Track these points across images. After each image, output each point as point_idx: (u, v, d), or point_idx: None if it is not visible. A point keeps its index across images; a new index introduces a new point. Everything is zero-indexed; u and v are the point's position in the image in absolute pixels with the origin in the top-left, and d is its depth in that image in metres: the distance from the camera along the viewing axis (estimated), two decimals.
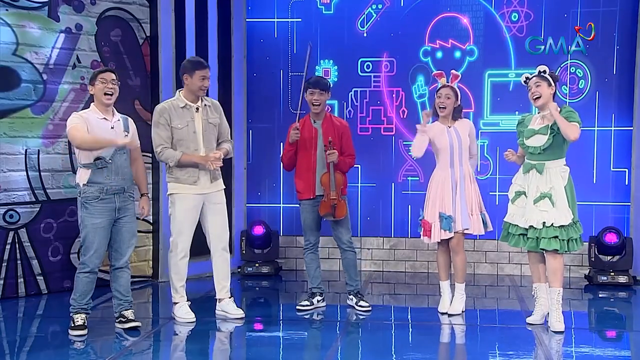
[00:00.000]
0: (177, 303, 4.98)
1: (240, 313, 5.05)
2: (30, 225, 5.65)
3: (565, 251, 4.64)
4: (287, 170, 5.46)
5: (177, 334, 4.77)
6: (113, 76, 4.63)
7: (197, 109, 4.88)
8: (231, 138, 6.69)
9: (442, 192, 5.02)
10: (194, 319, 4.92)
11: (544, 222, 4.57)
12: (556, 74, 4.74)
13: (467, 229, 5.00)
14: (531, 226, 4.62)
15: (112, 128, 4.61)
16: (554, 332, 4.64)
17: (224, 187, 5.09)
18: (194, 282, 6.10)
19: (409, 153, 6.70)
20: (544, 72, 4.65)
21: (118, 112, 4.81)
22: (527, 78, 4.73)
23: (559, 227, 4.56)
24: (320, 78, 5.43)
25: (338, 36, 6.76)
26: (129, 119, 4.80)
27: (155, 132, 4.84)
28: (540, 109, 4.71)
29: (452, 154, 5.01)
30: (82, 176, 4.58)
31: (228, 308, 5.05)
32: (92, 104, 4.67)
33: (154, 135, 4.84)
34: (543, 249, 4.63)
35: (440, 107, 5.03)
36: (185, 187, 4.88)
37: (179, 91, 4.95)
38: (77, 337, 4.52)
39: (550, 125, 4.58)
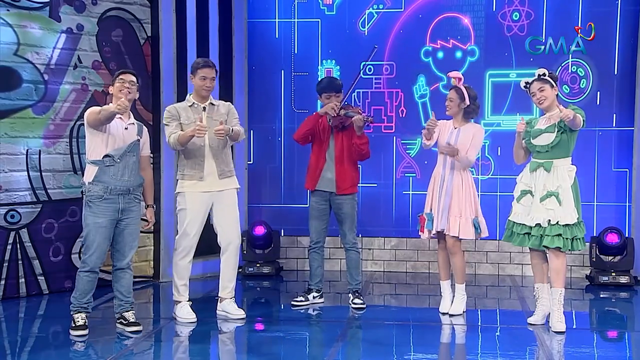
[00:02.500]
0: (178, 303, 4.99)
1: (241, 313, 5.05)
2: (32, 226, 5.65)
3: (569, 250, 4.64)
4: (295, 140, 5.45)
5: (178, 334, 4.77)
6: (132, 78, 4.66)
7: (204, 108, 4.93)
8: None
9: (432, 191, 5.08)
10: (195, 319, 4.93)
11: (549, 220, 4.57)
12: (555, 73, 4.74)
13: (442, 230, 4.99)
14: (537, 224, 4.62)
15: (125, 129, 4.64)
16: (555, 332, 4.64)
17: (238, 186, 5.10)
18: (195, 282, 6.10)
19: (407, 152, 6.73)
20: (544, 74, 4.65)
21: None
22: (527, 83, 4.73)
23: (563, 225, 4.57)
24: (334, 80, 5.39)
25: (340, 37, 6.76)
26: (144, 127, 4.84)
27: (165, 127, 4.91)
28: (546, 110, 4.71)
29: (445, 157, 5.03)
30: (89, 174, 4.59)
31: (229, 308, 5.05)
32: (110, 105, 4.66)
33: (165, 130, 4.90)
34: (546, 247, 4.63)
35: (446, 108, 5.07)
36: (192, 184, 4.90)
37: (189, 94, 5.03)
38: (78, 337, 4.53)
39: (556, 123, 4.59)
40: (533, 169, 4.70)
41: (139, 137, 4.71)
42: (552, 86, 4.64)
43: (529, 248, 4.82)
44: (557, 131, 4.59)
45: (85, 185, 4.61)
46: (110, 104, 4.56)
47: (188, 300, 5.01)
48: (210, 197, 4.94)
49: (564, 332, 4.64)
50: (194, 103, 4.94)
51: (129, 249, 4.71)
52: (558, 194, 4.57)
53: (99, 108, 4.53)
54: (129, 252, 4.72)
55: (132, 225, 4.70)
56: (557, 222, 4.56)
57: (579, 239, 4.63)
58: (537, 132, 4.68)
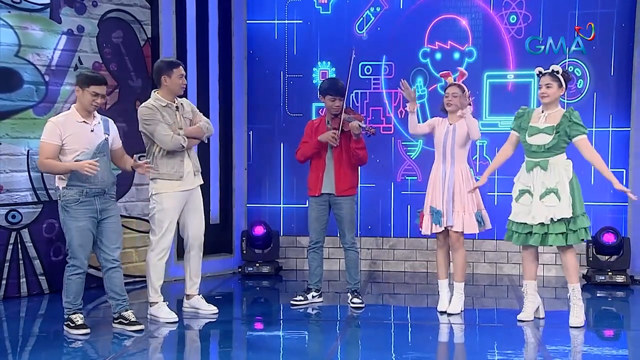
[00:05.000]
0: (155, 303, 4.98)
1: (213, 309, 5.13)
2: (32, 226, 5.68)
3: (582, 240, 4.72)
4: (300, 162, 5.53)
5: (176, 334, 4.79)
6: (105, 90, 4.63)
7: (177, 107, 4.97)
8: (232, 139, 6.78)
9: (433, 187, 5.11)
10: (177, 319, 4.93)
11: (552, 218, 4.62)
12: (571, 74, 4.76)
13: (451, 226, 5.03)
14: (540, 222, 4.66)
15: (91, 131, 4.61)
16: (571, 327, 4.74)
17: (202, 182, 5.16)
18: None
19: (408, 154, 6.77)
20: (557, 72, 4.68)
21: (119, 112, 4.85)
22: (540, 72, 4.74)
23: (564, 220, 4.63)
24: (340, 84, 5.36)
25: (337, 38, 6.79)
26: (110, 121, 4.81)
27: (151, 126, 4.81)
28: (545, 107, 4.75)
29: (444, 150, 5.07)
30: (61, 180, 4.58)
31: (200, 305, 5.14)
32: (73, 106, 4.66)
33: (157, 129, 4.80)
34: (551, 245, 4.70)
35: (447, 105, 5.08)
36: (172, 183, 4.91)
37: (155, 92, 4.98)
38: (82, 336, 4.56)
39: (555, 126, 4.64)
40: (530, 168, 4.75)
41: (106, 136, 4.68)
42: (560, 86, 4.68)
43: (521, 246, 4.88)
44: (556, 134, 4.64)
45: (59, 190, 4.59)
46: (71, 161, 4.48)
47: (164, 301, 5.03)
48: (186, 195, 4.98)
49: (582, 327, 4.74)
50: (168, 104, 4.92)
51: (115, 247, 4.72)
52: (557, 190, 4.63)
53: (52, 165, 4.47)
54: (115, 251, 4.72)
55: (112, 223, 4.71)
56: (560, 219, 4.62)
57: (585, 228, 4.69)
58: (534, 130, 4.71)
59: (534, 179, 4.72)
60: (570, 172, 4.72)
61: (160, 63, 5.02)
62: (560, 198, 4.63)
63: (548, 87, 4.68)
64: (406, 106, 5.21)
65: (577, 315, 4.78)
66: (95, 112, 4.70)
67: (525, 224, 4.76)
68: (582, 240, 4.75)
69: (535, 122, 4.75)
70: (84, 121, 4.59)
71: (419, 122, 5.27)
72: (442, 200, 5.05)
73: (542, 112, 4.77)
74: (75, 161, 4.52)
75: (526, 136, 4.75)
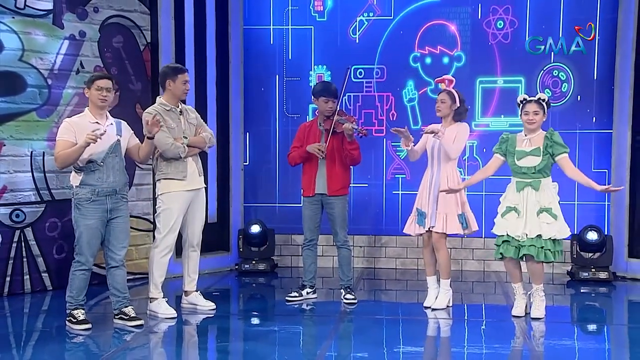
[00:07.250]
0: (155, 299, 5.08)
1: (211, 305, 5.24)
2: (36, 224, 5.79)
3: (552, 261, 4.97)
4: (291, 166, 5.69)
5: (175, 329, 4.89)
6: (110, 84, 4.76)
7: (181, 111, 5.11)
8: (229, 140, 6.91)
9: (422, 189, 5.28)
10: (175, 315, 5.04)
11: (551, 236, 4.86)
12: (549, 100, 4.97)
13: (432, 227, 5.18)
14: (539, 235, 4.87)
15: (104, 132, 4.70)
16: (533, 318, 4.96)
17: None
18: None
19: (398, 153, 6.94)
20: (543, 100, 4.90)
21: (120, 115, 5.00)
22: (525, 99, 4.94)
23: (554, 240, 4.88)
24: (333, 86, 5.48)
25: (331, 43, 6.93)
26: (123, 122, 4.93)
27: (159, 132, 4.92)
28: (530, 132, 4.95)
29: (432, 155, 5.24)
30: (75, 178, 4.72)
31: (199, 301, 5.25)
32: (87, 108, 4.81)
33: (158, 135, 4.89)
34: (542, 261, 4.90)
35: (437, 111, 5.25)
36: (177, 183, 5.02)
37: (160, 97, 5.14)
38: (83, 332, 4.65)
39: (542, 148, 4.87)
40: (520, 188, 4.93)
41: (118, 137, 4.80)
42: (544, 113, 4.91)
43: (504, 256, 5.03)
44: (544, 154, 4.87)
45: (73, 188, 4.73)
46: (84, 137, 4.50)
47: (164, 297, 5.15)
48: (191, 195, 5.11)
49: (542, 318, 4.95)
50: (172, 108, 5.07)
51: (121, 247, 4.83)
52: (551, 209, 4.87)
53: (65, 153, 4.58)
54: (121, 250, 4.84)
55: (121, 224, 4.82)
56: (550, 237, 4.85)
57: (560, 250, 4.98)
58: (521, 153, 4.92)
59: (524, 199, 4.92)
60: (556, 195, 4.99)
61: (166, 68, 5.17)
62: (555, 217, 4.87)
63: (536, 114, 4.89)
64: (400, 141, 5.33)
65: (539, 308, 5.01)
66: (108, 114, 4.83)
67: (505, 235, 4.96)
68: (555, 260, 5.01)
69: (520, 146, 4.95)
70: (97, 122, 4.71)
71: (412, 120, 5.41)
72: (428, 202, 5.20)
73: (525, 136, 4.97)
74: (89, 162, 4.67)
75: (515, 160, 4.95)
